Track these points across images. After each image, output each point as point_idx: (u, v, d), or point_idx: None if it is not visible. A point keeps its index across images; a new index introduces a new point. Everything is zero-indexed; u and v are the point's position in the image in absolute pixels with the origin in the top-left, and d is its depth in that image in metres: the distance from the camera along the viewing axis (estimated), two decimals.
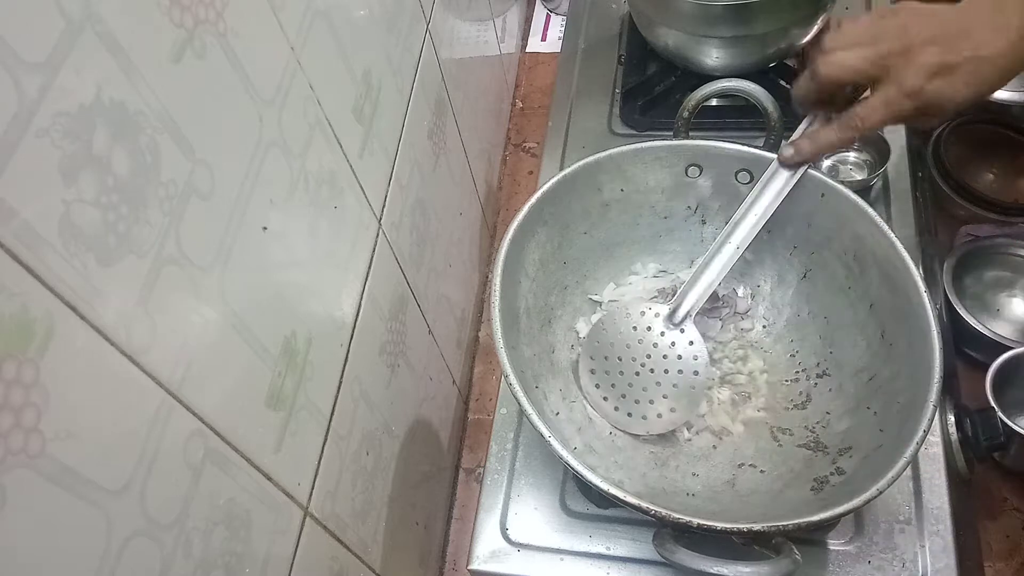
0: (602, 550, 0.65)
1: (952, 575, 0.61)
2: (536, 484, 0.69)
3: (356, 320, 0.68)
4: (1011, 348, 0.80)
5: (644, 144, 0.69)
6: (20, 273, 0.33)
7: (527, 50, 1.40)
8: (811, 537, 0.63)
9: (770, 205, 0.64)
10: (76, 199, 0.36)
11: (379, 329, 0.75)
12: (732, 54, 0.85)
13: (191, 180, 0.44)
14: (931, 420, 0.53)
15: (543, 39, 1.40)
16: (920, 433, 0.52)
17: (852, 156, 0.84)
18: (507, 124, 1.31)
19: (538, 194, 0.65)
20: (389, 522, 0.76)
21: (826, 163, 0.83)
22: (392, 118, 0.77)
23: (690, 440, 0.66)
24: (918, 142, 0.88)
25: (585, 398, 0.67)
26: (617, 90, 0.96)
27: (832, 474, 0.57)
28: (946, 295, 0.87)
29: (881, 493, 0.50)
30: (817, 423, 0.63)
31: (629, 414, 0.65)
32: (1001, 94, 0.94)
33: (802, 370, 0.68)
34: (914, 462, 0.64)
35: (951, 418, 0.68)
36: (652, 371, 0.65)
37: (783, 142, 0.63)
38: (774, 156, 0.64)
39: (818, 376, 0.66)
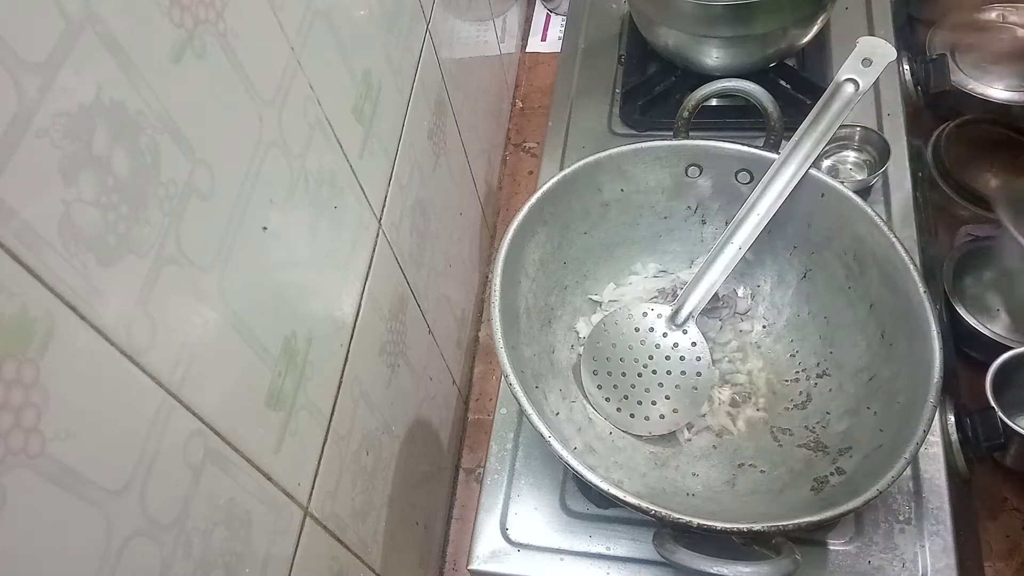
0: (602, 550, 0.65)
1: (952, 575, 0.61)
2: (536, 484, 0.69)
3: (356, 320, 0.68)
4: (1011, 348, 0.80)
5: (644, 144, 0.69)
6: (20, 273, 0.33)
7: (527, 50, 1.40)
8: (811, 537, 0.63)
9: (772, 205, 0.64)
10: (76, 199, 0.36)
11: (379, 329, 0.75)
12: (732, 54, 0.85)
13: (191, 180, 0.44)
14: (931, 420, 0.53)
15: (543, 39, 1.40)
16: (920, 433, 0.52)
17: (852, 156, 0.84)
18: (507, 124, 1.31)
19: (538, 194, 0.65)
20: (389, 522, 0.76)
21: (826, 163, 0.83)
22: (392, 118, 0.77)
23: (690, 440, 0.66)
24: (918, 142, 0.88)
25: (587, 399, 0.67)
26: (617, 90, 0.96)
27: (832, 474, 0.57)
28: (946, 295, 0.87)
29: (881, 493, 0.50)
30: (817, 423, 0.63)
31: (631, 415, 0.65)
32: (1001, 94, 0.94)
33: (802, 370, 0.68)
34: (914, 462, 0.64)
35: (951, 418, 0.68)
36: (654, 372, 0.65)
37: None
38: (774, 156, 0.64)
39: (818, 376, 0.66)
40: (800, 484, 0.59)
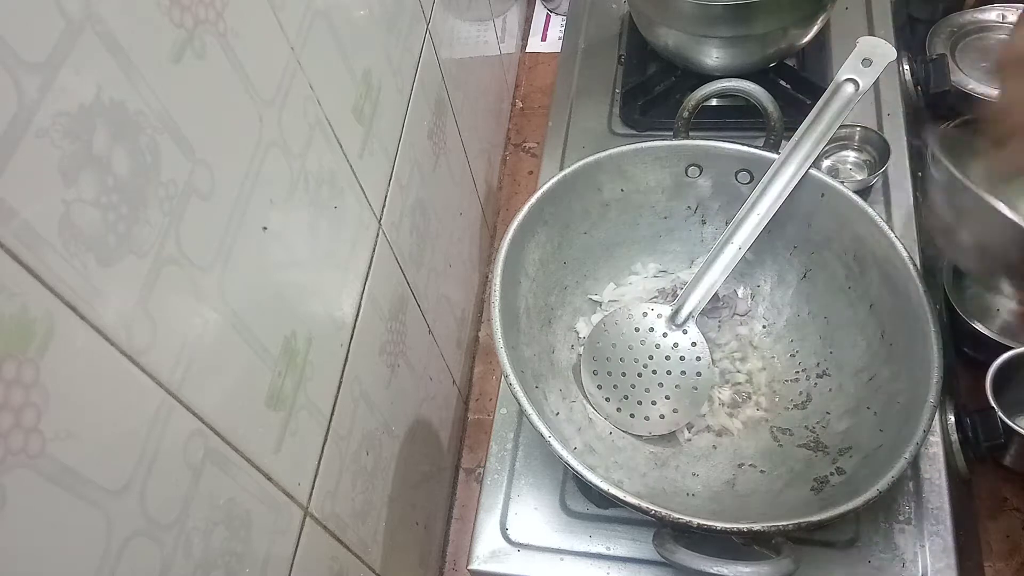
0: (602, 550, 0.65)
1: (952, 575, 0.61)
2: (536, 484, 0.69)
3: (356, 320, 0.68)
4: (1011, 348, 0.80)
5: (644, 144, 0.69)
6: (20, 273, 0.33)
7: (527, 50, 1.40)
8: (811, 537, 0.63)
9: (772, 205, 0.64)
10: (76, 199, 0.36)
11: (379, 329, 0.74)
12: (732, 54, 0.85)
13: (191, 180, 0.44)
14: (931, 420, 0.53)
15: (543, 39, 1.40)
16: (920, 433, 0.52)
17: (852, 156, 0.84)
18: (507, 124, 1.31)
19: (538, 194, 0.65)
20: (389, 522, 0.76)
21: (826, 163, 0.83)
22: (392, 118, 0.77)
23: (690, 440, 0.66)
24: (918, 142, 0.88)
25: (587, 399, 0.67)
26: (617, 90, 0.96)
27: (832, 474, 0.57)
28: (946, 295, 0.87)
29: (881, 493, 0.50)
30: (817, 423, 0.63)
31: (631, 415, 0.65)
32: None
33: (802, 370, 0.68)
34: (914, 462, 0.64)
35: (951, 418, 0.68)
36: (654, 372, 0.65)
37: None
38: (774, 156, 0.64)
39: (818, 376, 0.66)
40: (800, 484, 0.59)
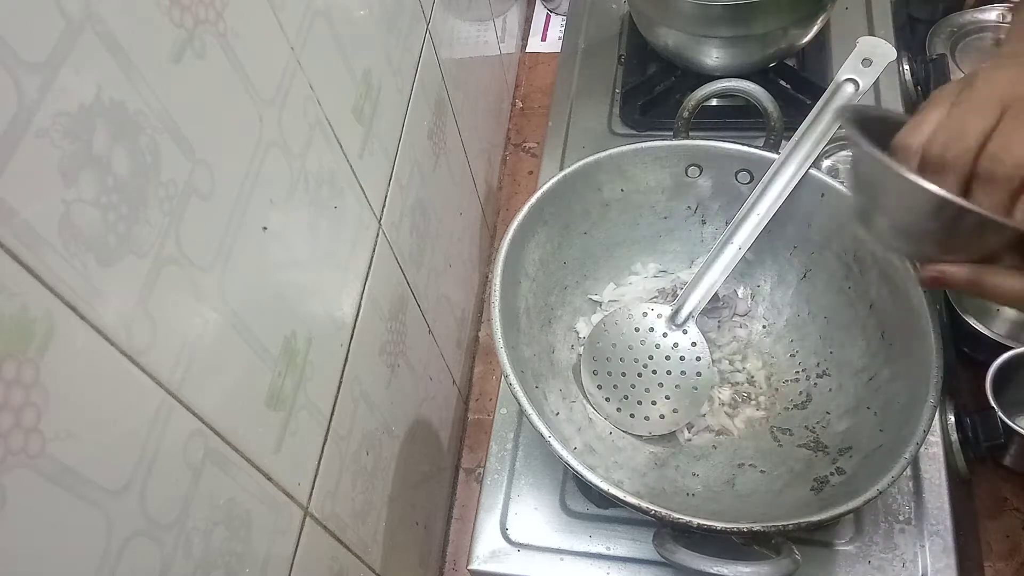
0: (602, 550, 0.65)
1: (952, 575, 0.61)
2: (536, 484, 0.69)
3: (356, 320, 0.68)
4: (1011, 348, 0.80)
5: (644, 144, 0.69)
6: (20, 273, 0.33)
7: (527, 50, 1.39)
8: (811, 537, 0.63)
9: (772, 205, 0.64)
10: (76, 199, 0.36)
11: (379, 329, 0.74)
12: (732, 54, 0.85)
13: (191, 180, 0.44)
14: (931, 420, 0.53)
15: (543, 39, 1.40)
16: (920, 433, 0.52)
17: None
18: (507, 124, 1.31)
19: (538, 194, 0.65)
20: (389, 522, 0.76)
21: (826, 163, 0.83)
22: (392, 118, 0.77)
23: (690, 440, 0.66)
24: None
25: (587, 399, 0.67)
26: (617, 90, 0.96)
27: (832, 474, 0.57)
28: (946, 295, 0.87)
29: (881, 493, 0.50)
30: (817, 423, 0.63)
31: (631, 415, 0.65)
32: None
33: (802, 370, 0.68)
34: (914, 462, 0.64)
35: (951, 418, 0.68)
36: (654, 372, 0.65)
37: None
38: (774, 156, 0.64)
39: (818, 376, 0.66)
40: (800, 484, 0.59)
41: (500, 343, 0.58)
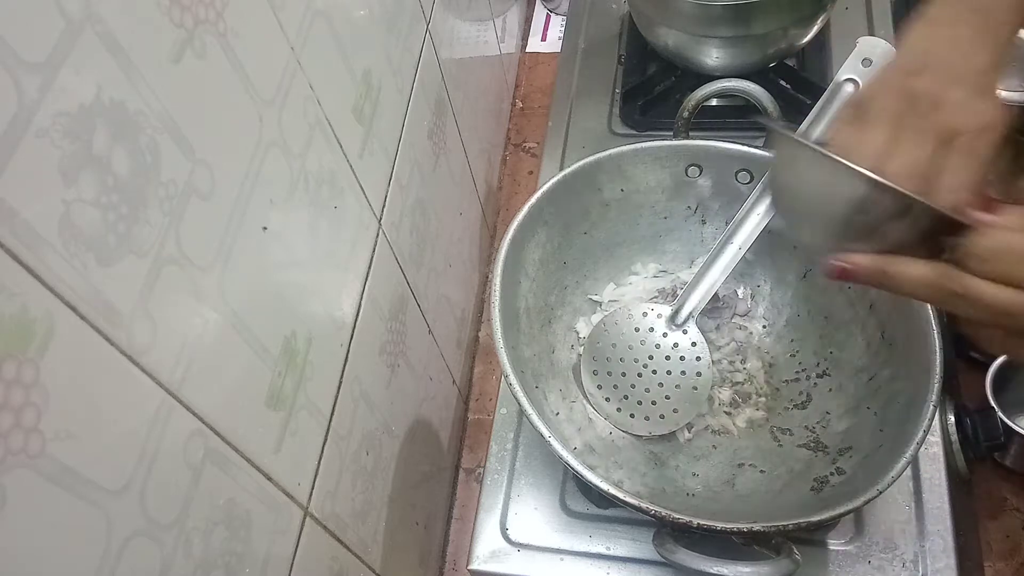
0: (602, 550, 0.65)
1: (952, 575, 0.61)
2: (536, 484, 0.69)
3: (356, 320, 0.68)
4: None
5: (644, 144, 0.69)
6: (20, 273, 0.33)
7: (527, 50, 1.39)
8: (811, 537, 0.63)
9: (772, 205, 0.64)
10: (76, 199, 0.36)
11: (379, 329, 0.74)
12: (732, 54, 0.85)
13: (191, 180, 0.44)
14: (931, 420, 0.53)
15: (543, 39, 1.40)
16: (920, 433, 0.52)
17: None
18: (507, 124, 1.31)
19: (538, 194, 0.65)
20: (389, 522, 0.76)
21: None
22: (392, 118, 0.77)
23: (690, 440, 0.66)
24: None
25: (587, 399, 0.67)
26: (617, 90, 0.96)
27: (832, 474, 0.57)
28: None
29: (881, 493, 0.50)
30: (817, 423, 0.63)
31: (631, 415, 0.65)
32: (1001, 94, 0.94)
33: (802, 370, 0.68)
34: (914, 462, 0.64)
35: (951, 418, 0.68)
36: (654, 372, 0.65)
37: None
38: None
39: (818, 376, 0.66)
40: (800, 484, 0.59)
41: (500, 343, 0.58)
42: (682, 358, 0.65)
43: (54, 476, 0.35)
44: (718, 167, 0.69)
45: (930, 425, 0.52)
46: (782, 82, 0.89)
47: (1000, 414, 0.71)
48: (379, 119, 0.73)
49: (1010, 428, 0.75)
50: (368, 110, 0.70)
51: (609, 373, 0.66)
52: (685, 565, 0.51)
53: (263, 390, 0.53)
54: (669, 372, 0.65)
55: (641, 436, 0.65)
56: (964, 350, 0.88)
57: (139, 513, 0.40)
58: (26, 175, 0.33)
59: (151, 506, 0.41)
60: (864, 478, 0.53)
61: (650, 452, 0.65)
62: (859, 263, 0.42)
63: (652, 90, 0.93)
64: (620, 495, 0.52)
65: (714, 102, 0.86)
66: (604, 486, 0.52)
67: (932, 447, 0.66)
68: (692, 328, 0.66)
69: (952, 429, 0.67)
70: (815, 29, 0.85)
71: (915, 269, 0.40)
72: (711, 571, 0.50)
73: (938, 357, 0.55)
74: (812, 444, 0.62)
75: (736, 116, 0.87)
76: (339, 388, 0.65)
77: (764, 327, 0.71)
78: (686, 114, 0.71)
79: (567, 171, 0.67)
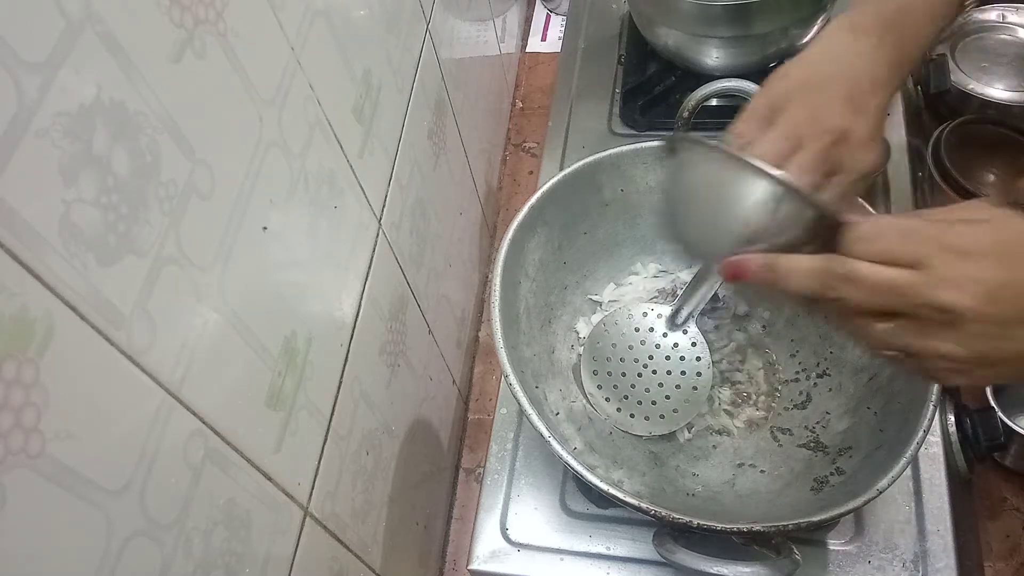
0: (602, 550, 0.65)
1: (952, 575, 0.61)
2: (536, 484, 0.69)
3: (356, 320, 0.68)
4: None
5: (644, 144, 0.69)
6: (20, 273, 0.33)
7: (527, 50, 1.40)
8: (811, 537, 0.63)
9: None
10: (76, 199, 0.36)
11: (379, 329, 0.74)
12: (732, 54, 0.85)
13: (191, 180, 0.44)
14: (931, 420, 0.53)
15: (543, 39, 1.40)
16: (920, 433, 0.52)
17: None
18: (507, 124, 1.31)
19: (538, 194, 0.65)
20: (389, 522, 0.76)
21: None
22: (392, 118, 0.77)
23: (690, 440, 0.66)
24: (918, 142, 0.88)
25: (587, 399, 0.67)
26: (617, 90, 0.96)
27: (832, 474, 0.57)
28: None
29: (881, 493, 0.50)
30: (817, 423, 0.63)
31: (631, 415, 0.65)
32: (1001, 94, 0.94)
33: (802, 370, 0.68)
34: (914, 462, 0.64)
35: (951, 418, 0.68)
36: (654, 372, 0.65)
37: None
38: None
39: (818, 376, 0.66)
40: (800, 484, 0.59)
41: (500, 343, 0.58)
42: (682, 358, 0.65)
43: (54, 476, 0.35)
44: None
45: (930, 425, 0.52)
46: None
47: (1000, 414, 0.71)
48: (379, 119, 0.73)
49: (1010, 428, 0.75)
50: (368, 110, 0.70)
51: (609, 373, 0.66)
52: (685, 565, 0.51)
53: (263, 390, 0.53)
54: (669, 372, 0.65)
55: (641, 436, 0.65)
56: None
57: (139, 513, 0.40)
58: (26, 175, 0.33)
59: (151, 506, 0.41)
60: (864, 478, 0.53)
61: (650, 452, 0.65)
62: (751, 260, 0.45)
63: (652, 90, 0.93)
64: (620, 495, 0.51)
65: (714, 102, 0.86)
66: (604, 486, 0.52)
67: (932, 447, 0.66)
68: (692, 328, 0.66)
69: (952, 429, 0.67)
70: (815, 29, 0.85)
71: (804, 261, 0.42)
72: (711, 571, 0.50)
73: None
74: (812, 444, 0.62)
75: (736, 116, 0.87)
76: (339, 388, 0.65)
77: (764, 327, 0.71)
78: (686, 114, 0.71)
79: (567, 171, 0.67)
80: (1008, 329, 0.38)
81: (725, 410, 0.68)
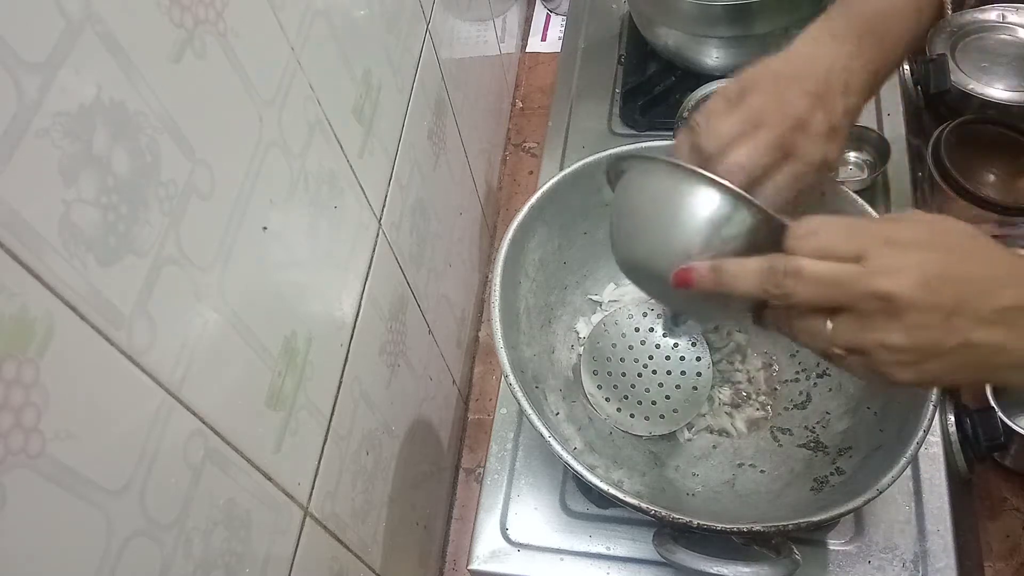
0: (602, 550, 0.65)
1: (952, 575, 0.61)
2: (536, 484, 0.69)
3: (356, 320, 0.68)
4: None
5: (644, 144, 0.69)
6: (20, 273, 0.33)
7: (527, 50, 1.40)
8: (811, 537, 0.63)
9: None
10: (76, 199, 0.36)
11: (379, 329, 0.74)
12: (732, 54, 0.85)
13: (191, 180, 0.44)
14: (931, 420, 0.53)
15: (543, 39, 1.40)
16: (920, 433, 0.52)
17: (852, 156, 0.84)
18: (507, 124, 1.31)
19: (538, 194, 0.65)
20: (389, 522, 0.76)
21: None
22: (392, 118, 0.77)
23: (690, 440, 0.66)
24: (918, 142, 0.88)
25: (587, 399, 0.67)
26: (617, 90, 0.96)
27: (832, 474, 0.57)
28: None
29: (881, 493, 0.50)
30: (817, 423, 0.63)
31: (631, 415, 0.65)
32: (1001, 94, 0.94)
33: (802, 370, 0.68)
34: (914, 462, 0.64)
35: (951, 418, 0.68)
36: (654, 372, 0.65)
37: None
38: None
39: (818, 376, 0.66)
40: (800, 484, 0.59)
41: (500, 343, 0.58)
42: (682, 358, 0.65)
43: (54, 476, 0.35)
44: None
45: (930, 425, 0.52)
46: None
47: (1000, 414, 0.71)
48: (379, 119, 0.73)
49: (1010, 428, 0.75)
50: (368, 110, 0.70)
51: (609, 373, 0.66)
52: (685, 565, 0.51)
53: (263, 390, 0.53)
54: (669, 372, 0.65)
55: (641, 436, 0.65)
56: None
57: (139, 513, 0.40)
58: (26, 175, 0.33)
59: (151, 506, 0.41)
60: (864, 478, 0.53)
61: (650, 452, 0.65)
62: (699, 266, 0.46)
63: (652, 90, 0.93)
64: (620, 495, 0.51)
65: None
66: (604, 486, 0.52)
67: (932, 447, 0.66)
68: (692, 328, 0.66)
69: (952, 429, 0.67)
70: None
71: (749, 262, 0.44)
72: (711, 571, 0.50)
73: None
74: (812, 444, 0.62)
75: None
76: (339, 388, 0.65)
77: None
78: (686, 114, 0.71)
79: (567, 171, 0.67)
80: (949, 319, 0.38)
81: (725, 410, 0.68)
